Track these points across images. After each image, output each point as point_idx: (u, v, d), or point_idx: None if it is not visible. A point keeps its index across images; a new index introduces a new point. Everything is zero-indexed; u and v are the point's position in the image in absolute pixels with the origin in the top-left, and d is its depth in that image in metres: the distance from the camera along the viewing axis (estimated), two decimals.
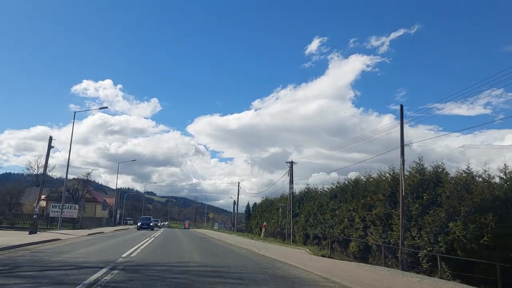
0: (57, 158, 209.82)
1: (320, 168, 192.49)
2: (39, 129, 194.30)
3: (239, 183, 55.30)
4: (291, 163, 31.78)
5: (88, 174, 58.09)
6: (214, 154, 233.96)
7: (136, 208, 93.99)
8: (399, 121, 17.64)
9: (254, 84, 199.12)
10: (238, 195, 55.02)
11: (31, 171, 69.78)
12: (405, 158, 16.99)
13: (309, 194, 29.76)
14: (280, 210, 35.03)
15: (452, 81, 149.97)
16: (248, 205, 78.71)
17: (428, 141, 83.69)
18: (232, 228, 68.60)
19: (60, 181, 54.97)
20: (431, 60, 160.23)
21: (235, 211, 60.41)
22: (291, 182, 31.21)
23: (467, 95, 37.25)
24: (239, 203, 59.99)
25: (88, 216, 45.54)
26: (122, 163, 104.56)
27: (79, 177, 56.62)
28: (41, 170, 55.29)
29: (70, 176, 56.48)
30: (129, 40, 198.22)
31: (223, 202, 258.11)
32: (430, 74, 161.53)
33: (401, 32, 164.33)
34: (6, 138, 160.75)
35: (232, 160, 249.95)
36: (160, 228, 65.05)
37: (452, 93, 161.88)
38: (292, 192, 31.03)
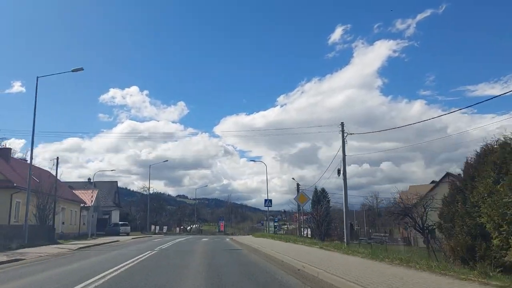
0: (90, 168, 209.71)
1: (351, 161, 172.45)
2: (71, 141, 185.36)
3: (342, 123, 24.84)
4: None
5: None
6: (242, 153, 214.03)
7: (151, 209, 64.11)
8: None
9: (278, 80, 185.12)
10: (344, 146, 25.31)
11: None
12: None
13: None
14: None
15: (483, 61, 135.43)
16: (316, 191, 45.90)
17: (463, 125, 76.05)
18: (310, 234, 40.10)
19: None
20: (461, 41, 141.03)
21: (345, 196, 30.00)
22: None
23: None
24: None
25: None
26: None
27: None
28: None
29: None
30: (151, 45, 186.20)
31: (255, 201, 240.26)
32: (461, 56, 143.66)
33: (428, 12, 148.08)
34: (40, 151, 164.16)
35: (260, 159, 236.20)
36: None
37: (484, 74, 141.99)
38: None
